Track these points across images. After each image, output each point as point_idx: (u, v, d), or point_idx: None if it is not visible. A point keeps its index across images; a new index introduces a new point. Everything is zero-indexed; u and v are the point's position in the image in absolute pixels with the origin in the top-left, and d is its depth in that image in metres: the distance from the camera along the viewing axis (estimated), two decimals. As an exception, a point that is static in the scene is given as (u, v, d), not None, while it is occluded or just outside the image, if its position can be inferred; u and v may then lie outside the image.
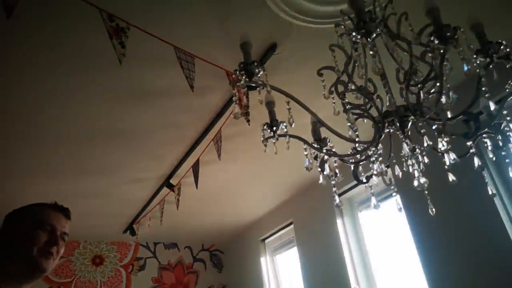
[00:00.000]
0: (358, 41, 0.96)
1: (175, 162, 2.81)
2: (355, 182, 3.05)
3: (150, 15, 1.57)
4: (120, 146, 2.51)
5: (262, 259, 4.04)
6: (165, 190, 3.11)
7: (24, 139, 2.30)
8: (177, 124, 2.37)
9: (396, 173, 1.11)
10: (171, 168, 2.89)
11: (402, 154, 1.08)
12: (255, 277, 4.04)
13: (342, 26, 1.05)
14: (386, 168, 1.09)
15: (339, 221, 3.10)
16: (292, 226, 3.68)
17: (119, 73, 1.84)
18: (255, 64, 0.92)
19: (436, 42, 0.92)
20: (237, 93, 0.96)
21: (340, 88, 1.09)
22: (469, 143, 1.05)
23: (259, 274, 3.98)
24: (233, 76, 0.93)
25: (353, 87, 1.08)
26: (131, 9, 1.51)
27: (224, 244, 4.75)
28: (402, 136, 1.02)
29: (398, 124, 1.01)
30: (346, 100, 1.05)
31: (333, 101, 1.14)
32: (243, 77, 0.92)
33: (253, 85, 0.93)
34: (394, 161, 1.13)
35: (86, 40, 1.65)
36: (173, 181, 3.02)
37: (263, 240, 4.11)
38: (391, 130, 1.06)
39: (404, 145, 1.04)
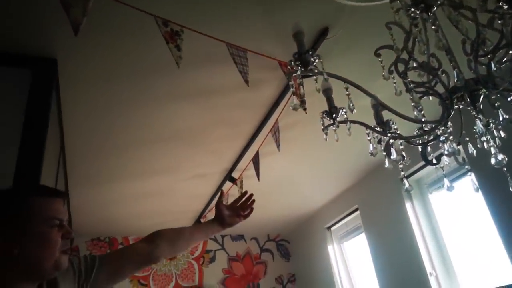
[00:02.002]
0: (417, 16, 0.90)
1: (236, 156, 2.87)
2: (422, 163, 2.91)
3: (200, 15, 1.60)
4: (181, 145, 2.61)
5: (330, 247, 4.01)
6: (228, 184, 3.19)
7: (91, 146, 2.47)
8: (235, 119, 2.41)
9: (470, 151, 1.04)
10: (232, 162, 2.95)
11: (475, 131, 1.01)
12: (323, 265, 4.03)
13: (398, 1, 1.00)
14: (457, 147, 1.03)
15: (408, 205, 2.98)
16: (357, 212, 3.60)
17: (176, 76, 1.90)
18: (310, 53, 0.91)
19: (505, 7, 0.84)
20: (293, 84, 0.96)
21: (401, 67, 1.04)
22: (552, 113, 0.96)
23: (328, 262, 3.96)
24: (288, 67, 0.92)
25: (415, 65, 1.02)
26: (182, 12, 1.56)
27: (290, 234, 4.78)
28: (474, 112, 0.95)
29: (468, 99, 0.94)
30: (409, 79, 1.00)
31: (394, 81, 1.09)
32: (299, 67, 0.91)
33: (310, 74, 0.92)
34: (466, 138, 1.06)
35: (144, 47, 1.73)
36: (235, 174, 3.09)
37: (329, 228, 4.08)
38: (461, 106, 0.99)
39: (477, 120, 0.97)
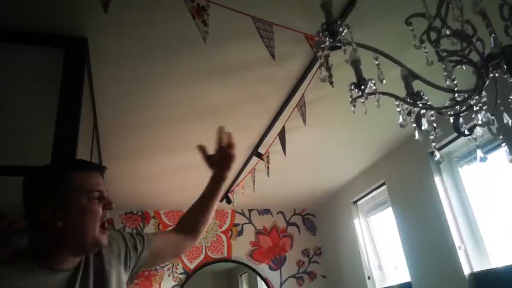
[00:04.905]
0: (452, -21, 0.87)
1: (262, 131, 2.88)
2: (452, 136, 2.84)
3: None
4: (209, 121, 2.63)
5: (356, 221, 4.02)
6: (254, 159, 3.22)
7: (123, 122, 2.53)
8: (261, 94, 2.41)
9: (505, 121, 1.01)
10: (259, 138, 2.97)
11: (511, 100, 0.98)
12: (349, 238, 4.05)
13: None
14: (492, 117, 1.00)
15: (437, 179, 2.93)
16: (384, 186, 3.57)
17: (203, 52, 1.91)
18: (338, 22, 0.89)
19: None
20: (321, 56, 0.95)
21: (433, 35, 1.01)
22: None
23: (354, 235, 3.98)
24: (316, 38, 0.91)
25: (448, 32, 0.99)
26: (208, -14, 1.55)
27: (316, 208, 4.81)
28: (510, 79, 0.92)
29: (505, 67, 0.91)
30: (441, 48, 0.97)
31: (425, 50, 1.06)
32: (327, 38, 0.90)
33: (338, 45, 0.90)
34: (501, 108, 1.03)
35: (172, 23, 1.74)
36: (261, 150, 3.11)
37: (355, 202, 4.08)
38: (497, 75, 0.96)
39: (514, 89, 0.94)
